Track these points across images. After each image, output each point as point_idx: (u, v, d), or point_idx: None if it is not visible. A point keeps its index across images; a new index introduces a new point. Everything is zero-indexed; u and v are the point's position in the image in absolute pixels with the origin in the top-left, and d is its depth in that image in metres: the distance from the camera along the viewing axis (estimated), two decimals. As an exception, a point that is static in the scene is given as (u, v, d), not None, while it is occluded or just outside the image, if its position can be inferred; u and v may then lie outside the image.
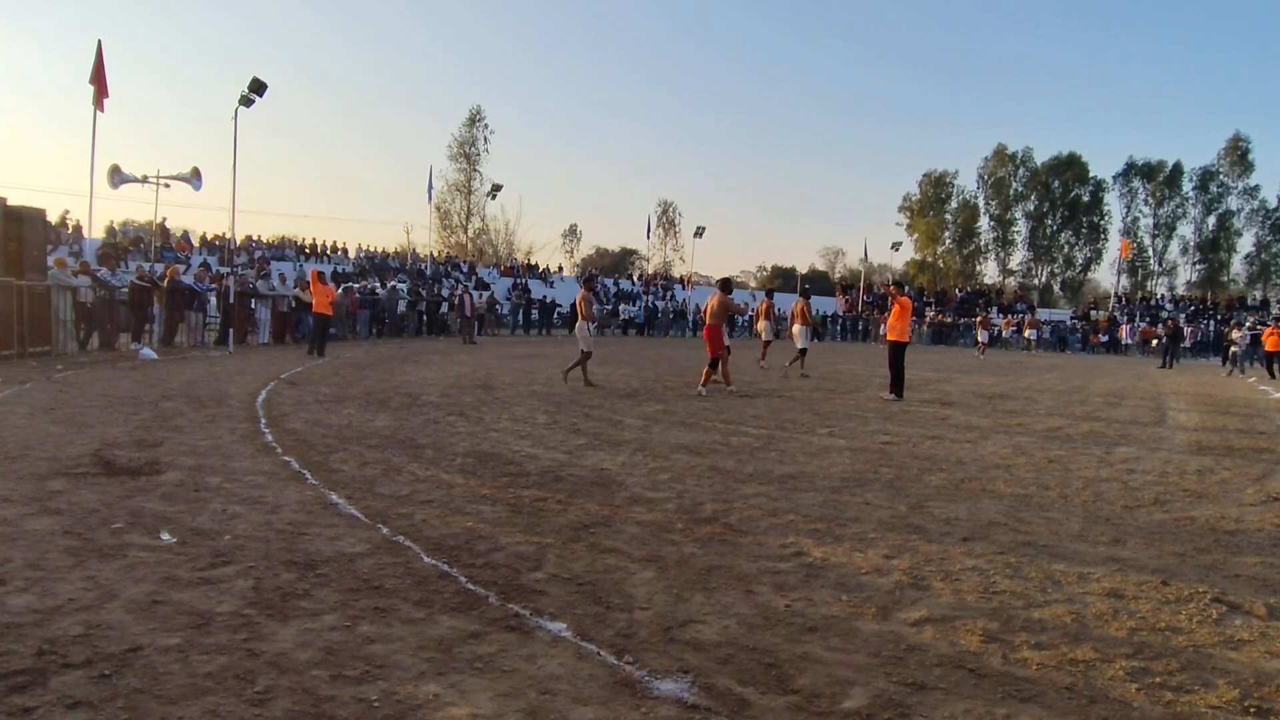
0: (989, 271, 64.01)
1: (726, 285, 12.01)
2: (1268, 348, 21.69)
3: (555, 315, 33.98)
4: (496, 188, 45.58)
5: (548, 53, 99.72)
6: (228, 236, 21.00)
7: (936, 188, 63.62)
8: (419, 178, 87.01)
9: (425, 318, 26.43)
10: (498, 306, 30.90)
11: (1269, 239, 55.99)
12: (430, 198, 38.29)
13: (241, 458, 5.57)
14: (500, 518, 4.25)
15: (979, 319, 32.09)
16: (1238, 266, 57.17)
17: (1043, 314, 45.25)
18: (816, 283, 65.64)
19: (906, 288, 14.67)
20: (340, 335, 20.16)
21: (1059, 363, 26.52)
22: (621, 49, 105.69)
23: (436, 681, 2.36)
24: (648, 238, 56.61)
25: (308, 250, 35.70)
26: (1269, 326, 23.64)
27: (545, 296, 35.74)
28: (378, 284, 28.61)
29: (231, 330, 15.94)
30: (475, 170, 54.61)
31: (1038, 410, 10.60)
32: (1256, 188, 55.97)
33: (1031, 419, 9.57)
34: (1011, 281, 62.50)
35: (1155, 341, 34.76)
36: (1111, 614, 3.15)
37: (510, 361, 15.77)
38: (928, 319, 41.60)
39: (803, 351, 15.06)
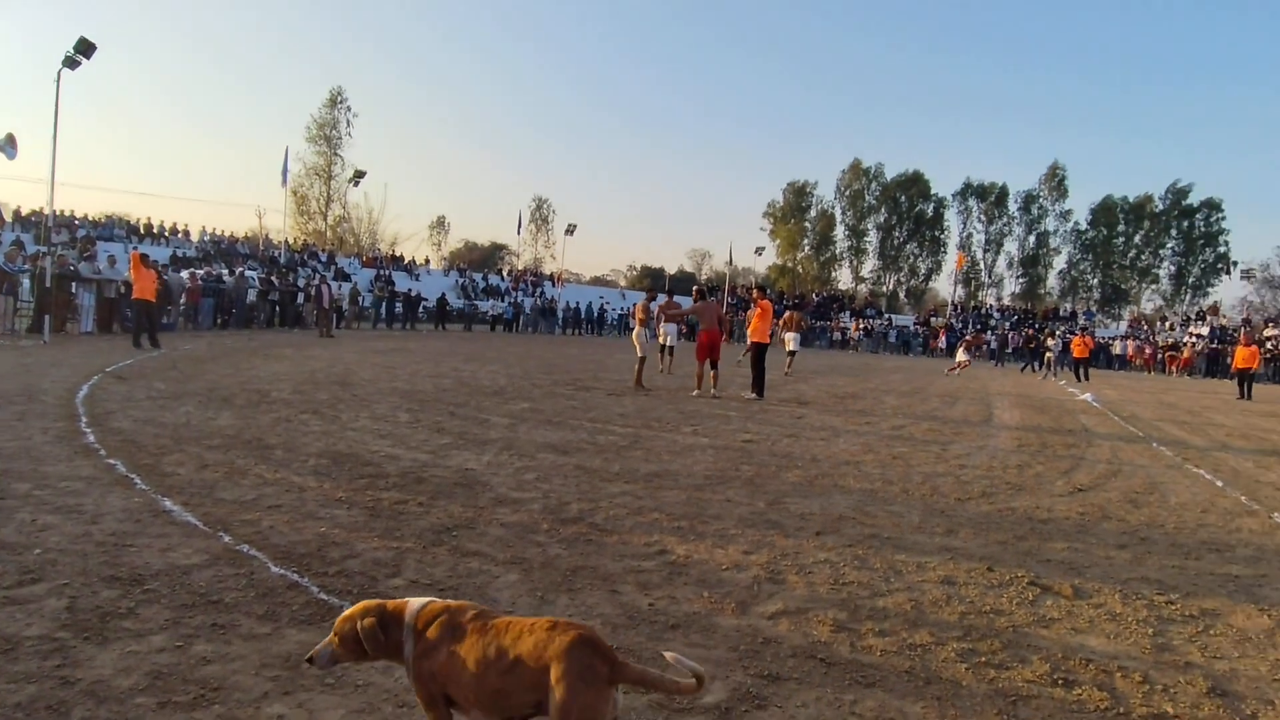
0: (843, 278, 68.00)
1: (704, 293, 12.59)
2: (1075, 354, 24.43)
3: (421, 309, 32.83)
4: (359, 174, 43.41)
5: (419, 38, 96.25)
6: (45, 212, 18.74)
7: (798, 197, 66.88)
8: (274, 159, 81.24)
9: (278, 309, 24.79)
10: (359, 298, 29.44)
11: (1079, 257, 62.93)
12: (285, 181, 35.94)
13: (56, 461, 4.98)
14: (357, 522, 4.04)
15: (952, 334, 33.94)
16: (1053, 281, 63.89)
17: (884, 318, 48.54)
18: (683, 283, 67.17)
19: (769, 290, 15.49)
20: (171, 325, 18.52)
21: (904, 365, 28.59)
22: (495, 38, 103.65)
23: (282, 702, 2.21)
24: (519, 233, 55.83)
25: (142, 231, 32.57)
26: (1076, 336, 26.58)
27: (411, 290, 34.44)
28: (224, 270, 26.54)
29: (48, 317, 14.23)
30: (336, 154, 51.89)
31: (884, 410, 11.36)
32: (1069, 211, 62.75)
33: (879, 418, 10.24)
34: (863, 288, 66.67)
35: (984, 348, 38.28)
36: (945, 600, 3.41)
37: (371, 357, 15.08)
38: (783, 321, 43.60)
39: (791, 354, 18.73)
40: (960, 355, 27.56)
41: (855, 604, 3.29)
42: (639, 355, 12.06)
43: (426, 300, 33.63)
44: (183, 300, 20.19)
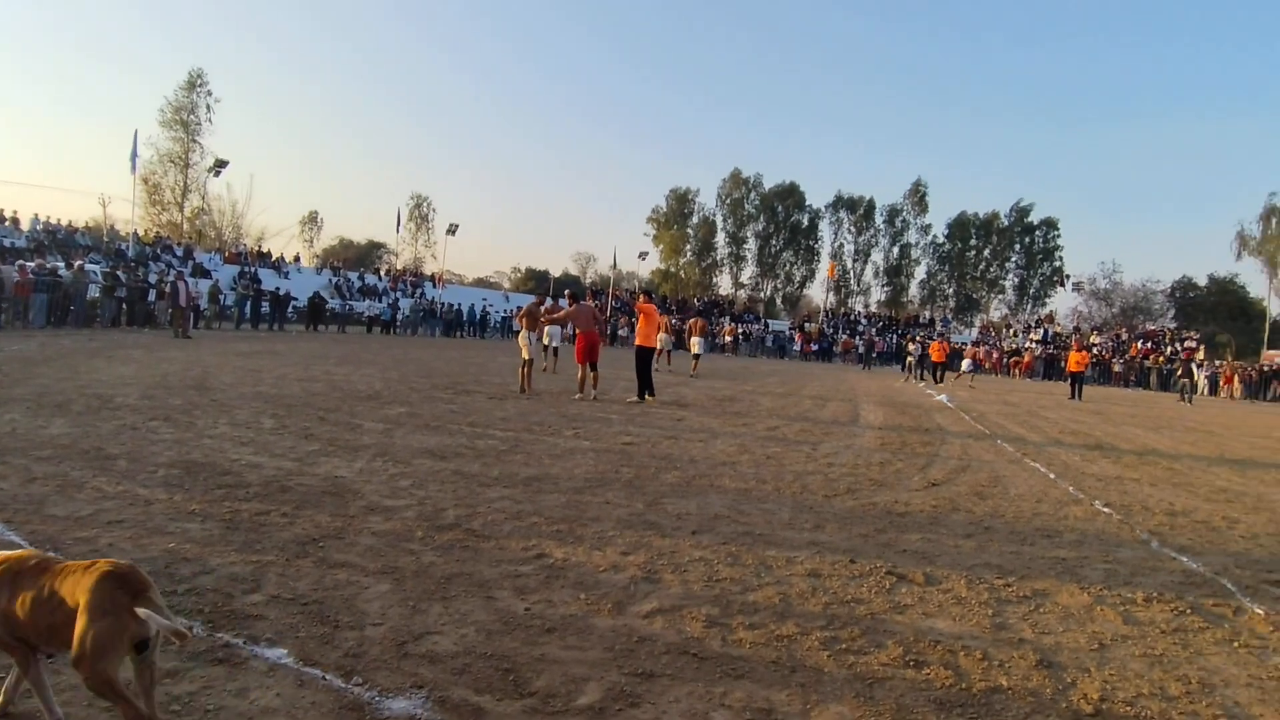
0: (724, 283, 70.03)
1: (577, 296, 12.58)
2: (934, 358, 26.29)
3: (290, 309, 31.05)
4: (221, 163, 40.66)
5: (288, 22, 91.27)
6: None
7: (681, 203, 68.30)
8: (121, 142, 74.46)
9: (126, 306, 22.76)
10: (220, 297, 27.49)
11: (937, 269, 67.67)
12: (134, 167, 33.07)
13: None
14: (211, 536, 3.78)
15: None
16: (914, 290, 68.40)
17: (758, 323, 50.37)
18: (569, 286, 67.05)
19: (653, 295, 16.25)
20: None
21: (779, 368, 29.75)
22: (373, 28, 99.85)
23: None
24: (398, 231, 53.93)
25: (-43, 217, 29.05)
26: (935, 341, 28.59)
27: (279, 288, 32.49)
28: (61, 263, 24.11)
29: None
30: (195, 141, 48.16)
31: (760, 412, 11.79)
32: (929, 225, 67.41)
33: (754, 420, 10.62)
34: (742, 294, 68.88)
35: (853, 351, 40.44)
36: (810, 591, 3.59)
37: (232, 359, 14.12)
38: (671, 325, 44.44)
39: (696, 357, 20.78)
40: (965, 365, 29.30)
41: (727, 599, 3.40)
42: (525, 358, 11.93)
43: (296, 300, 31.85)
44: (10, 295, 18.18)
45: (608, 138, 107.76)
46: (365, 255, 69.15)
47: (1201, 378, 38.15)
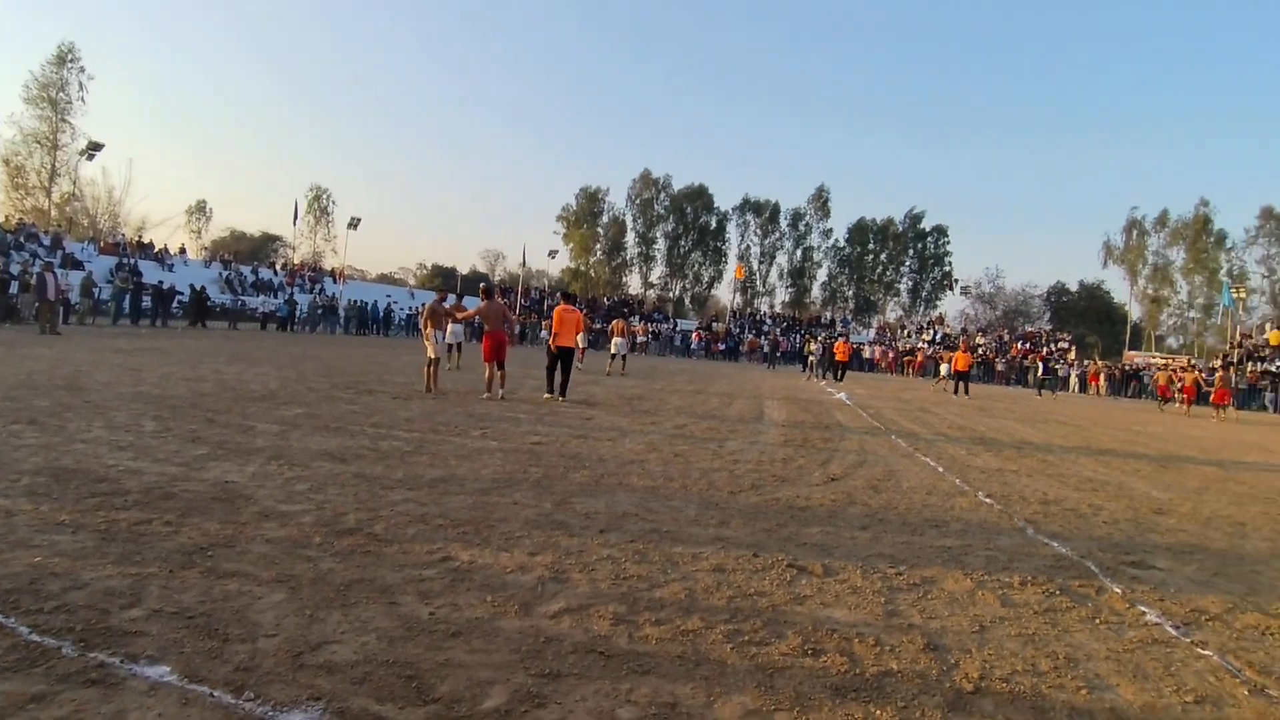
0: (633, 283, 70.48)
1: (489, 293, 11.98)
2: (836, 357, 27.34)
3: (175, 304, 29.17)
4: (95, 146, 37.75)
5: (175, 2, 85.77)
6: None
7: (591, 202, 68.31)
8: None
9: (-18, 299, 20.83)
10: (94, 290, 25.53)
11: (838, 271, 70.29)
12: (-8, 147, 30.24)
13: None
14: (84, 548, 3.52)
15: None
16: (816, 291, 70.84)
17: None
18: (477, 284, 65.87)
19: (574, 299, 16.24)
20: None
21: (687, 367, 30.21)
22: (268, 13, 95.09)
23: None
24: (295, 224, 51.50)
25: None
26: (837, 341, 29.72)
27: (162, 281, 30.47)
28: (-97, 251, 21.83)
29: None
30: (65, 121, 44.60)
31: (668, 410, 11.94)
32: (831, 230, 69.95)
33: (663, 418, 10.75)
34: (652, 293, 69.51)
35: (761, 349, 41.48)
36: (715, 586, 3.68)
37: (110, 357, 13.16)
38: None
39: (623, 357, 21.10)
40: (943, 369, 30.41)
41: (634, 597, 3.44)
42: (430, 357, 11.65)
43: (182, 294, 29.97)
44: None
45: (517, 135, 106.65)
46: (260, 248, 65.82)
47: (1074, 376, 41.23)
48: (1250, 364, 41.65)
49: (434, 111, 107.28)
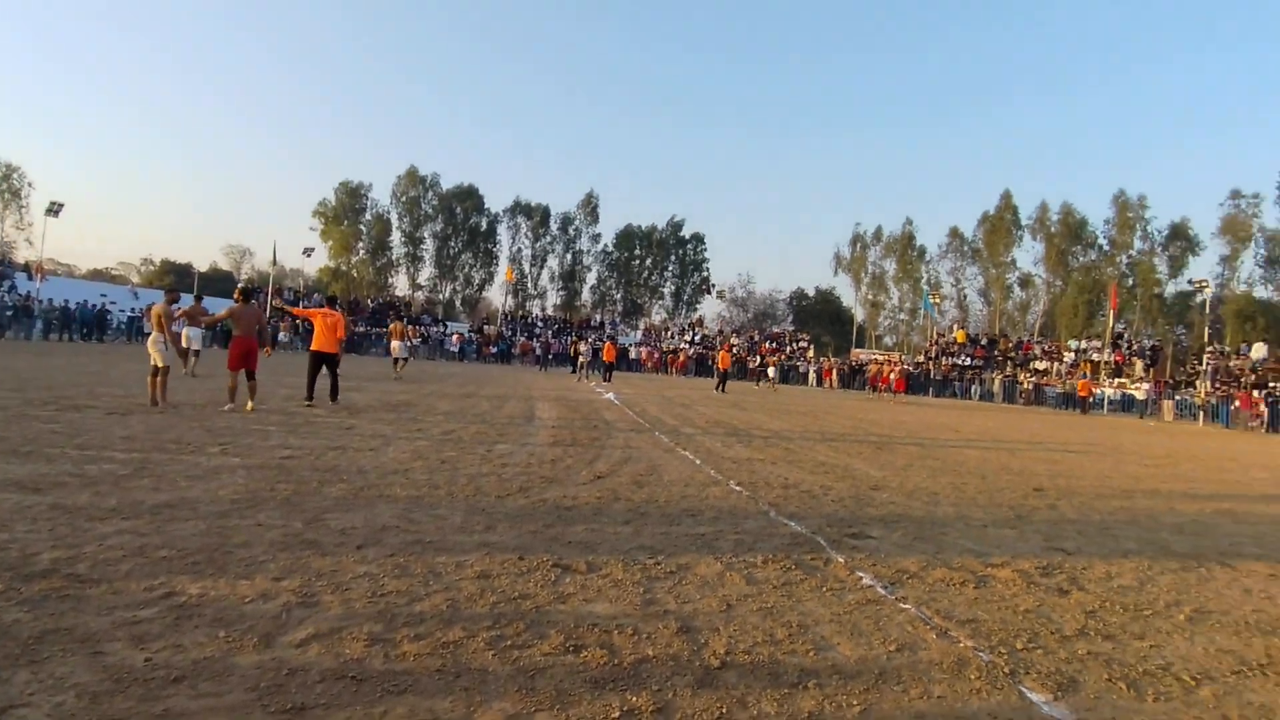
0: (400, 284, 67.37)
1: (248, 295, 10.92)
2: (605, 358, 28.20)
3: None
4: None
5: None
6: None
7: (352, 198, 64.18)
8: None
9: None
10: None
11: (607, 275, 72.55)
12: None
13: None
14: None
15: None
16: (587, 294, 72.58)
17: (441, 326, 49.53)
18: (219, 283, 59.19)
19: (338, 302, 15.10)
20: None
21: (457, 371, 29.48)
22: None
23: None
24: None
25: None
26: (606, 343, 30.66)
27: None
28: None
29: None
30: None
31: (436, 416, 11.56)
32: (600, 234, 72.02)
33: (430, 424, 10.38)
34: (420, 295, 66.89)
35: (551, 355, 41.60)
36: (479, 593, 3.62)
37: None
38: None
39: (404, 361, 21.53)
40: (771, 372, 31.08)
41: (392, 613, 3.29)
42: (158, 365, 10.19)
43: None
44: None
45: (264, 123, 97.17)
46: (-82, 235, 53.69)
47: (812, 371, 46.22)
48: (944, 359, 49.54)
49: (161, 89, 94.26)
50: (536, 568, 4.09)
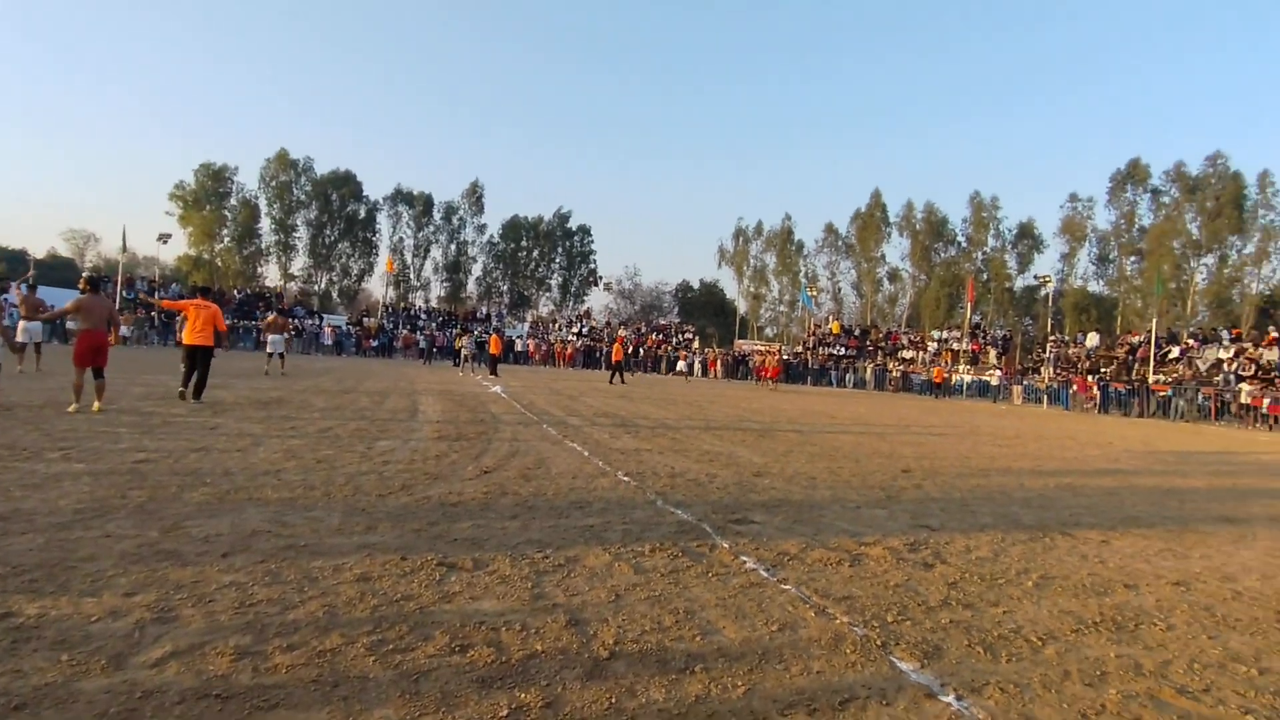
0: (271, 274, 63.52)
1: (95, 285, 10.07)
2: (491, 351, 27.70)
3: None
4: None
5: None
6: None
7: (216, 181, 59.82)
8: None
9: None
10: None
11: (493, 266, 71.22)
12: None
13: None
14: None
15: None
16: (472, 286, 70.99)
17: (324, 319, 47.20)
18: (59, 271, 53.84)
19: (212, 292, 13.84)
20: None
21: (336, 365, 28.14)
22: None
23: None
24: None
25: None
26: (492, 335, 30.11)
27: None
28: None
29: None
30: None
31: (312, 413, 10.99)
32: (485, 225, 70.54)
33: (305, 421, 9.86)
34: (293, 286, 63.33)
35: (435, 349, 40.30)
36: (359, 597, 3.48)
37: None
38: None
39: (281, 356, 20.21)
40: (680, 365, 30.33)
41: (263, 624, 3.10)
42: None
43: None
44: None
45: (114, 91, 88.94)
46: None
47: (698, 362, 47.21)
48: (821, 349, 51.86)
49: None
50: (420, 567, 3.97)
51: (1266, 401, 27.74)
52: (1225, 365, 35.11)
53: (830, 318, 63.26)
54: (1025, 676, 3.12)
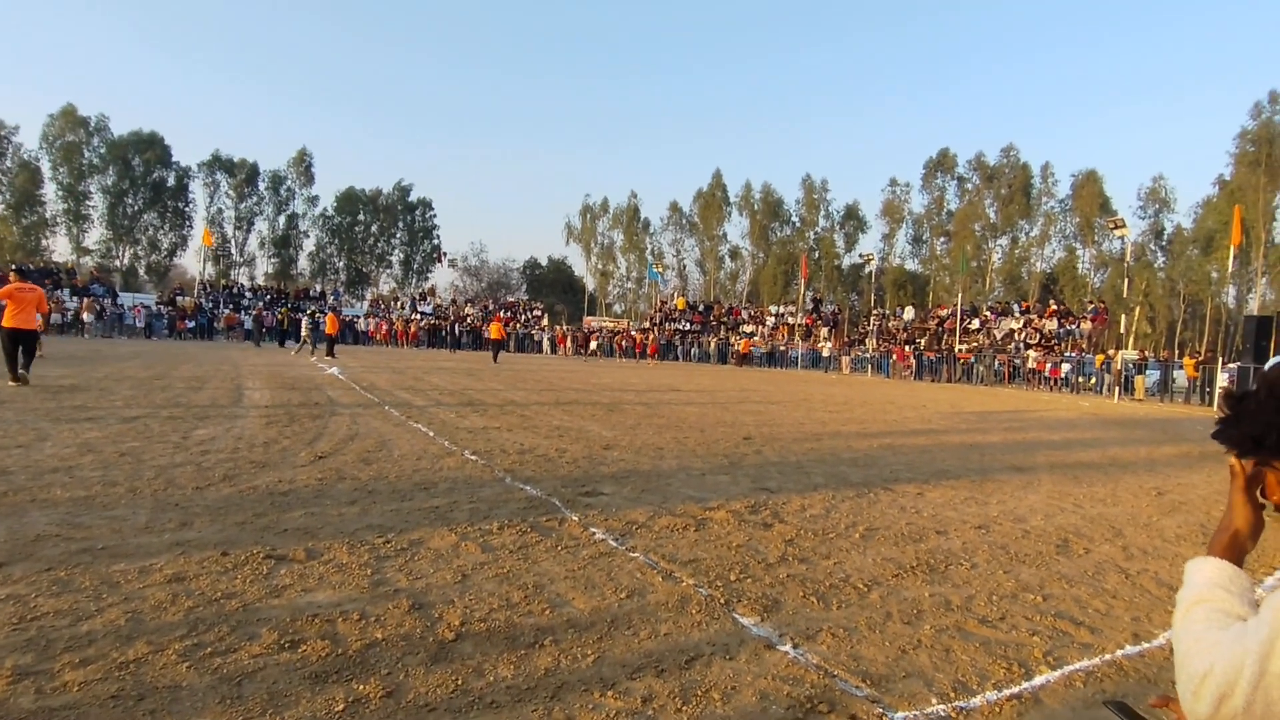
0: (59, 247, 56.16)
1: (24, 273, 10.50)
2: (328, 331, 26.06)
3: None
4: None
5: None
6: None
7: (-20, 139, 51.80)
8: None
9: None
10: None
11: (327, 241, 66.85)
12: None
13: None
14: None
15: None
16: (304, 262, 66.34)
17: (126, 299, 42.37)
18: None
19: (27, 271, 11.69)
20: None
21: (144, 349, 25.39)
22: None
23: None
24: None
25: None
26: (329, 314, 28.31)
27: None
28: None
29: None
30: None
31: (114, 401, 9.83)
32: (317, 197, 65.93)
33: (106, 411, 8.80)
34: (89, 261, 56.38)
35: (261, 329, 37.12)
36: (171, 600, 3.14)
37: None
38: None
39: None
40: (593, 345, 28.63)
41: (48, 640, 2.72)
42: None
43: None
44: None
45: None
46: None
47: (546, 340, 46.96)
48: (667, 324, 53.17)
49: None
50: (245, 562, 3.65)
51: (1048, 366, 31.66)
52: (1016, 335, 39.68)
53: (675, 294, 64.93)
54: (853, 620, 3.35)
